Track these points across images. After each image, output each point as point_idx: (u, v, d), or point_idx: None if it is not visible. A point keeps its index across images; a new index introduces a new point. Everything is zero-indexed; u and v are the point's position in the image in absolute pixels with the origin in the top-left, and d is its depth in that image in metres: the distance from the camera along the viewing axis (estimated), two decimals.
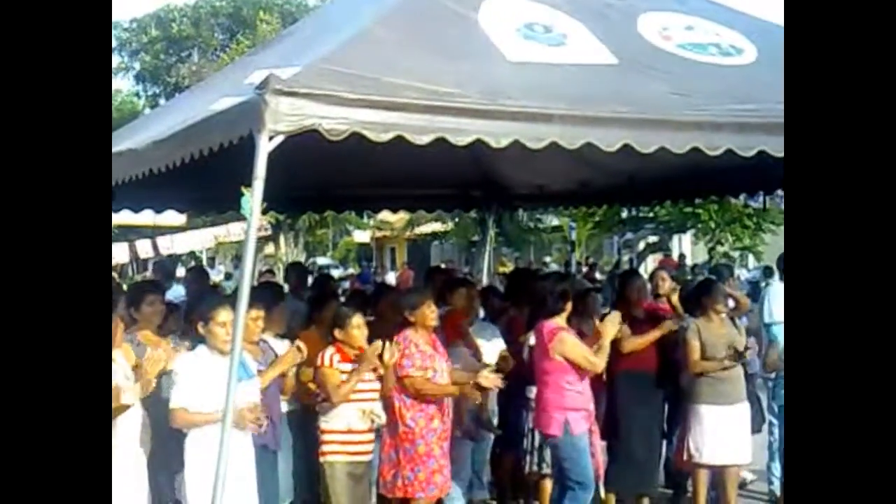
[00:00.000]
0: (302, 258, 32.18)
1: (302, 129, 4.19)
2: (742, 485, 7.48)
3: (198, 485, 4.83)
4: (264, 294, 6.29)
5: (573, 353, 6.21)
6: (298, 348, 5.65)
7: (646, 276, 8.27)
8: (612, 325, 6.27)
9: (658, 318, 7.07)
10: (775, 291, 7.80)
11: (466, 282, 7.61)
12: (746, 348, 6.85)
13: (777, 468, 7.49)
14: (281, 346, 5.88)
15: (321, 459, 5.75)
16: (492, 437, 6.84)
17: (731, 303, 7.27)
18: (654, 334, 6.83)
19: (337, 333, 5.76)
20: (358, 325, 5.76)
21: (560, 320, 6.28)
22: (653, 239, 27.01)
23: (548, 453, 6.60)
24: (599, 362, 6.26)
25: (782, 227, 23.79)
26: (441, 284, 7.31)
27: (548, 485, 6.65)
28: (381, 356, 5.68)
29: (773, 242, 22.43)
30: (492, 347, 6.72)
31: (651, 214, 23.82)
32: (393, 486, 5.95)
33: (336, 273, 29.05)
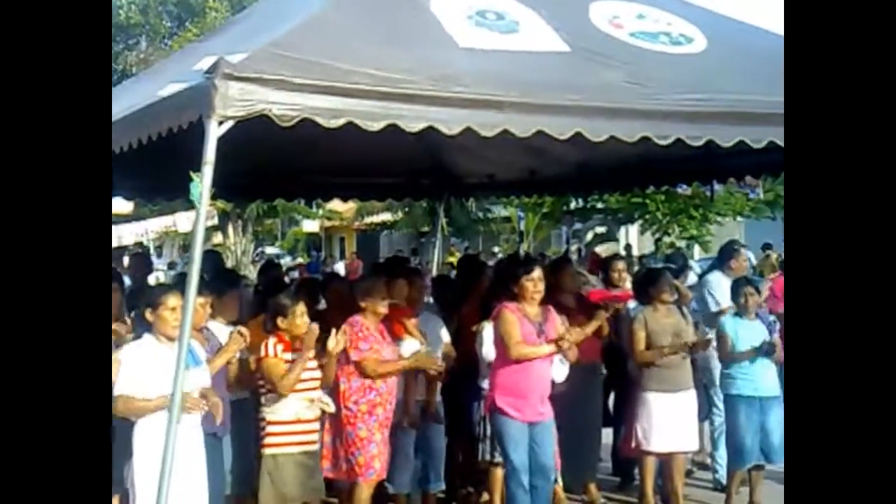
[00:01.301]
0: (250, 248, 31.99)
1: (252, 114, 4.15)
2: (688, 473, 7.56)
3: (146, 473, 4.77)
4: (216, 281, 6.24)
5: (502, 329, 6.11)
6: (240, 333, 5.59)
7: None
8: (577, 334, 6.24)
9: (590, 306, 7.01)
10: (715, 281, 7.90)
11: (408, 274, 7.57)
12: (708, 340, 6.94)
13: (721, 456, 7.57)
14: (226, 333, 5.82)
15: (265, 451, 5.68)
16: (442, 428, 6.83)
17: (675, 295, 7.32)
18: (591, 328, 6.64)
19: (280, 323, 5.70)
20: (301, 314, 5.71)
21: (515, 303, 6.19)
22: (601, 229, 27.19)
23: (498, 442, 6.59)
24: (518, 351, 6.02)
25: (727, 218, 24.23)
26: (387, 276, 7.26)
27: (499, 473, 6.65)
28: (324, 344, 5.66)
29: (719, 233, 22.70)
30: (437, 339, 6.70)
31: (599, 205, 23.96)
32: (335, 469, 5.95)
33: (285, 262, 28.86)
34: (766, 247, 19.14)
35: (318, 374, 5.75)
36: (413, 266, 10.61)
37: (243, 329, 5.67)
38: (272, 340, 5.68)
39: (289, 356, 5.66)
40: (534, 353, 6.05)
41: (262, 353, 5.65)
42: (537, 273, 6.20)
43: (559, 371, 6.38)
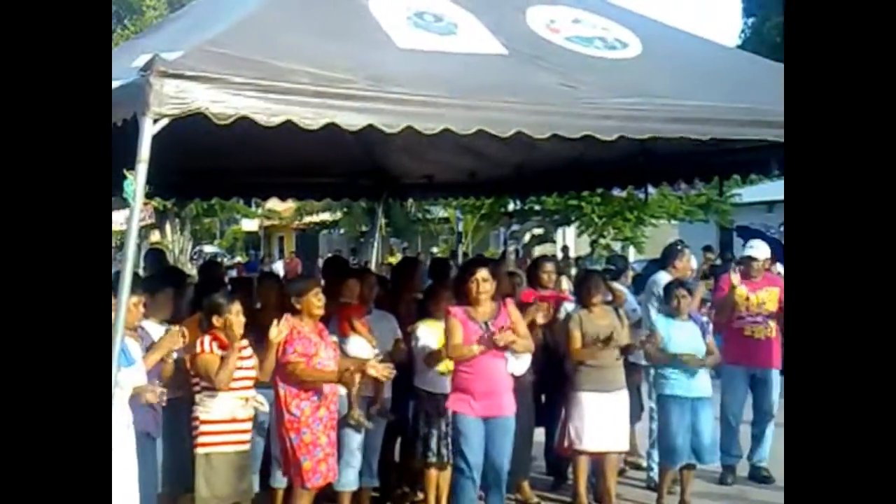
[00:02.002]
0: (188, 246, 31.67)
1: (187, 112, 4.11)
2: (621, 472, 7.66)
3: None
4: (150, 279, 6.18)
5: (446, 332, 6.24)
6: (182, 333, 5.55)
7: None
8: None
9: (523, 307, 7.06)
10: (662, 282, 8.01)
11: (360, 271, 7.58)
12: (640, 342, 7.02)
13: (657, 455, 7.68)
14: (160, 332, 5.77)
15: (198, 451, 5.64)
16: (384, 424, 6.83)
17: (609, 296, 7.42)
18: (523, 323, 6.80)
19: (215, 321, 5.67)
20: (237, 313, 5.68)
21: (466, 305, 6.24)
22: (538, 231, 27.33)
23: (433, 441, 6.63)
24: (453, 352, 6.16)
25: (662, 220, 24.54)
26: (336, 274, 7.28)
27: (433, 473, 6.69)
28: (258, 341, 5.67)
29: (654, 235, 22.99)
30: (389, 337, 6.72)
31: (536, 207, 24.12)
32: (278, 475, 5.93)
33: (223, 261, 28.61)
34: (707, 249, 19.38)
35: (252, 373, 5.73)
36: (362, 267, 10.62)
37: (183, 329, 5.64)
38: (207, 338, 5.65)
39: (223, 353, 5.63)
40: (469, 353, 6.12)
41: (198, 349, 5.62)
42: (480, 274, 6.24)
43: (516, 365, 6.43)
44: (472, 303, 6.21)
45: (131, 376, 4.96)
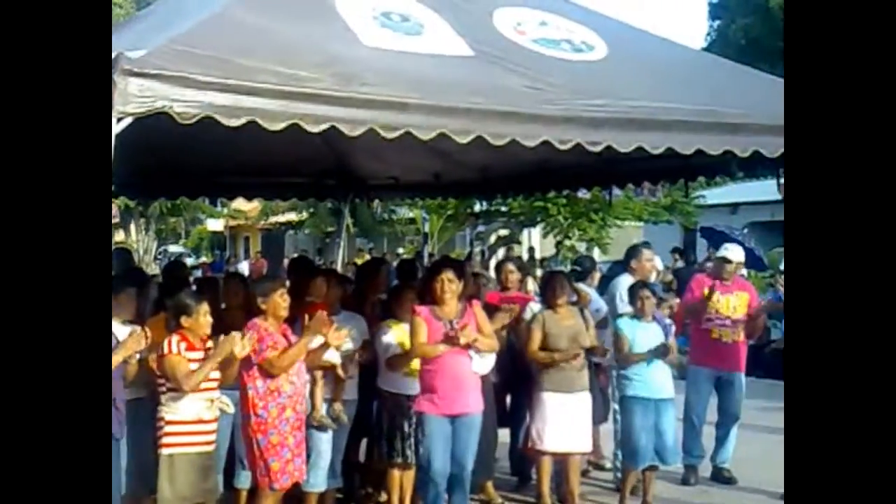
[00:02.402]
0: (153, 246, 31.46)
1: (151, 111, 4.09)
2: (584, 473, 7.69)
3: None
4: (113, 279, 6.11)
5: (411, 333, 6.28)
6: (145, 335, 5.52)
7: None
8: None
9: (489, 308, 7.10)
10: (623, 284, 8.05)
11: (327, 271, 7.56)
12: (600, 349, 7.05)
13: (619, 456, 7.71)
14: (124, 332, 5.73)
15: (162, 451, 5.60)
16: (348, 426, 6.82)
17: (574, 297, 7.45)
18: (495, 324, 6.81)
19: (183, 321, 5.64)
20: (204, 313, 5.66)
21: (433, 305, 6.26)
22: (504, 232, 27.39)
23: (398, 441, 6.63)
24: (416, 351, 6.22)
25: (627, 222, 24.67)
26: (301, 274, 7.26)
27: (396, 474, 6.68)
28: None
29: (619, 236, 23.10)
30: (357, 338, 6.71)
31: (502, 208, 24.18)
32: (247, 477, 5.90)
33: (189, 261, 28.44)
34: (676, 251, 19.48)
35: (217, 374, 5.70)
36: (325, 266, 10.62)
37: (146, 329, 5.61)
38: (175, 338, 5.61)
39: (191, 355, 5.60)
40: (433, 352, 6.14)
41: (165, 350, 5.58)
42: (445, 274, 6.27)
43: (480, 364, 6.44)
44: (438, 302, 6.23)
45: None
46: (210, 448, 5.75)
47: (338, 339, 5.98)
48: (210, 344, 5.70)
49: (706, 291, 8.00)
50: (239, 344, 5.57)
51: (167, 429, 5.62)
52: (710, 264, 12.58)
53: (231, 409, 5.83)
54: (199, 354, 5.63)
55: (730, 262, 8.27)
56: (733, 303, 8.13)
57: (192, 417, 5.61)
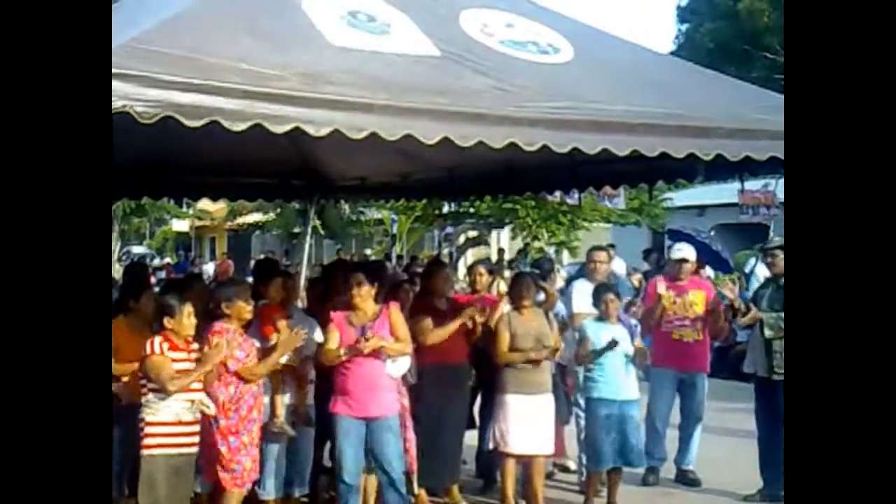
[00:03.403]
0: (116, 246, 31.20)
1: (112, 111, 4.03)
2: (549, 475, 7.68)
3: None
4: None
5: (325, 337, 6.34)
6: None
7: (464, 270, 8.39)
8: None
9: (460, 308, 7.15)
10: (579, 287, 8.08)
11: (283, 273, 7.52)
12: (555, 350, 7.02)
13: (584, 458, 7.72)
14: None
15: (143, 452, 5.57)
16: (313, 432, 6.78)
17: (541, 295, 7.45)
18: (455, 324, 6.90)
19: (167, 322, 5.61)
20: (188, 315, 5.66)
21: (349, 310, 6.31)
22: (472, 233, 27.44)
23: None
24: (323, 357, 6.32)
25: (596, 224, 24.78)
26: (262, 276, 7.22)
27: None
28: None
29: (587, 238, 23.19)
30: (310, 341, 6.66)
31: (471, 210, 24.22)
32: (223, 479, 5.87)
33: (153, 263, 28.25)
34: (649, 252, 19.55)
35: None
36: (284, 268, 10.54)
37: None
38: (157, 339, 5.60)
39: (174, 355, 5.58)
40: (335, 357, 6.21)
41: (147, 351, 5.56)
42: (356, 279, 6.33)
43: (393, 367, 6.41)
44: (352, 308, 6.29)
45: None
46: (191, 450, 5.71)
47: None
48: (195, 346, 5.70)
49: (659, 293, 8.05)
50: (226, 351, 5.58)
51: (147, 430, 5.59)
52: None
53: (212, 411, 5.77)
54: (183, 355, 5.63)
55: (687, 261, 8.31)
56: (689, 300, 8.16)
57: (172, 419, 5.58)
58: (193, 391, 5.64)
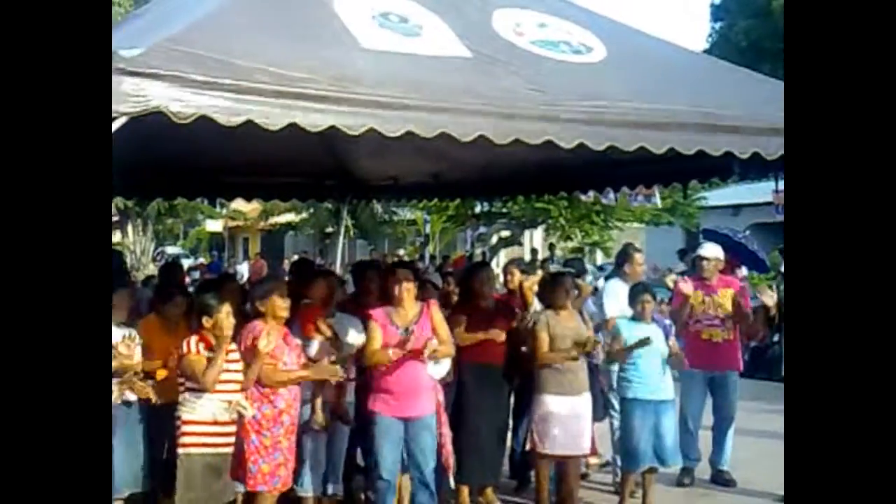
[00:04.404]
0: (150, 247, 31.44)
1: (146, 110, 4.05)
2: (583, 475, 7.65)
3: None
4: None
5: (366, 336, 6.27)
6: (129, 339, 5.49)
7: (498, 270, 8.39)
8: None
9: (506, 309, 7.14)
10: (612, 289, 8.03)
11: (326, 273, 7.55)
12: (596, 342, 6.98)
13: (619, 458, 7.68)
14: (117, 334, 5.71)
15: (179, 451, 5.60)
16: (348, 430, 6.80)
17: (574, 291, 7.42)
18: (488, 334, 6.89)
19: (205, 322, 5.63)
20: (227, 314, 5.65)
21: (389, 308, 6.25)
22: (505, 233, 27.37)
23: None
24: (372, 359, 6.20)
25: (629, 224, 24.66)
26: (300, 276, 7.25)
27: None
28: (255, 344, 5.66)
29: (620, 238, 23.09)
30: (356, 340, 6.68)
31: (504, 210, 24.17)
32: (238, 478, 5.88)
33: (187, 263, 28.43)
34: (684, 252, 19.39)
35: (238, 376, 5.68)
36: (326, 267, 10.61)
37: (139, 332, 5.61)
38: (194, 339, 5.62)
39: (210, 354, 5.59)
40: (385, 359, 6.13)
41: (184, 350, 5.58)
42: (401, 275, 6.30)
43: (435, 369, 6.42)
44: (395, 305, 6.23)
45: None
46: (226, 450, 5.71)
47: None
48: (233, 346, 5.70)
49: (686, 294, 8.01)
50: (264, 340, 5.60)
51: (184, 429, 5.62)
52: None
53: (249, 412, 5.79)
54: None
55: (706, 259, 8.25)
56: (718, 301, 8.11)
57: (208, 418, 5.59)
58: (231, 392, 5.66)
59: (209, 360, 5.55)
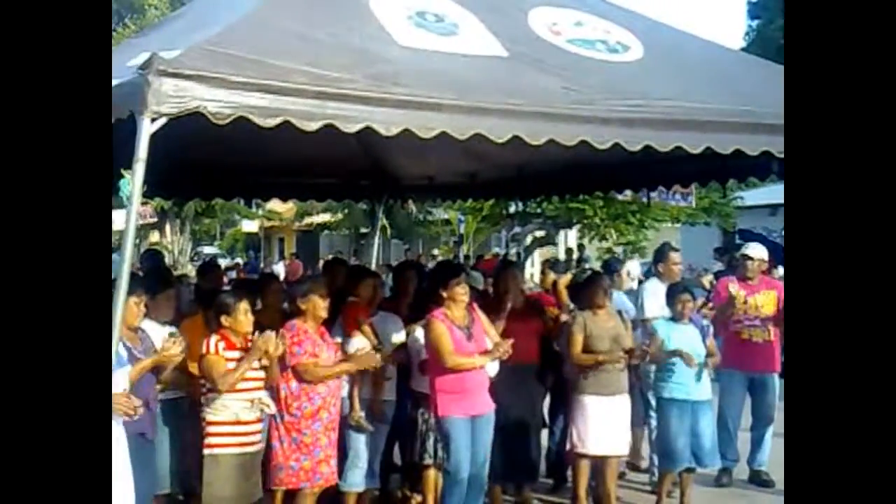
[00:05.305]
0: (188, 247, 31.69)
1: (186, 111, 4.08)
2: (621, 475, 7.63)
3: None
4: (151, 280, 6.18)
5: (432, 339, 6.21)
6: (179, 340, 5.53)
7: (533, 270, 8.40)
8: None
9: (536, 308, 7.10)
10: (650, 289, 7.99)
11: (373, 273, 7.59)
12: (640, 347, 6.95)
13: (656, 458, 7.66)
14: (161, 332, 5.75)
15: (205, 452, 5.63)
16: (387, 427, 6.83)
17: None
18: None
19: (223, 321, 5.67)
20: (245, 312, 5.69)
21: (444, 308, 6.24)
22: (540, 233, 27.30)
23: (430, 443, 6.62)
24: (453, 361, 6.11)
25: (664, 224, 24.50)
26: (344, 275, 7.29)
27: (431, 474, 6.67)
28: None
29: (656, 238, 22.95)
30: (397, 338, 6.71)
31: (538, 210, 24.10)
32: (278, 477, 5.92)
33: (223, 262, 28.63)
34: (719, 251, 19.27)
35: (261, 374, 5.71)
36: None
37: (183, 330, 5.63)
38: (214, 338, 5.64)
39: (230, 354, 5.62)
40: (469, 364, 6.15)
41: (204, 350, 5.60)
42: (459, 279, 6.33)
43: (491, 365, 6.44)
44: (456, 306, 6.23)
45: (117, 379, 4.96)
46: (253, 449, 5.76)
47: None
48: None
49: (731, 294, 7.94)
50: (273, 343, 5.58)
51: (208, 429, 5.66)
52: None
53: (272, 409, 5.83)
54: (239, 354, 5.65)
55: (751, 258, 8.19)
56: (760, 301, 8.04)
57: (231, 418, 5.63)
58: (252, 390, 5.68)
59: (231, 360, 5.57)
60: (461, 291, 6.22)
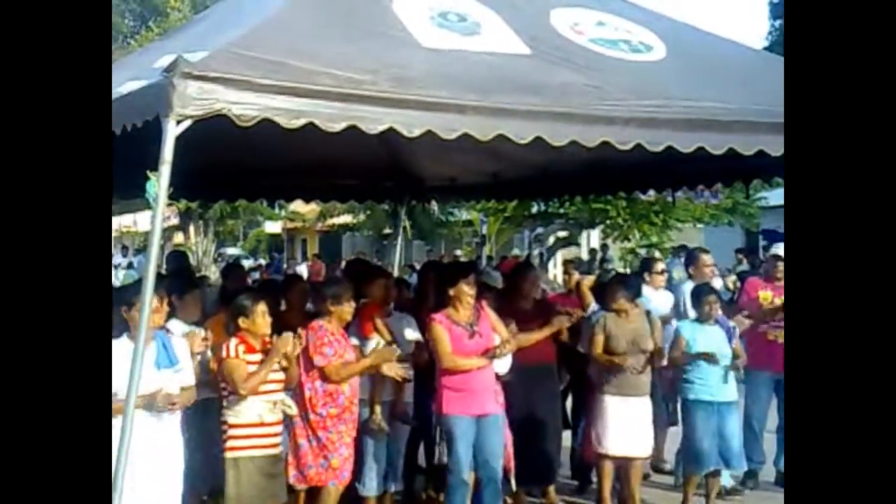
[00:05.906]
0: (212, 248, 31.83)
1: (210, 113, 4.12)
2: (645, 476, 7.61)
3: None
4: (178, 281, 6.21)
5: (433, 341, 6.24)
6: (204, 337, 5.56)
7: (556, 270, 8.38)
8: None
9: (549, 310, 7.10)
10: (688, 291, 7.96)
11: (385, 273, 7.61)
12: (658, 350, 6.92)
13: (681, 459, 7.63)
14: (186, 331, 5.78)
15: (227, 455, 5.63)
16: (408, 429, 6.83)
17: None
18: (542, 333, 6.78)
19: (241, 323, 5.66)
20: (262, 314, 5.67)
21: (448, 310, 6.25)
22: (562, 234, 27.27)
23: None
24: (450, 362, 6.14)
25: (688, 224, 24.41)
26: (358, 276, 7.30)
27: None
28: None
29: (679, 239, 22.87)
30: (410, 336, 6.72)
31: (561, 210, 24.07)
32: (304, 476, 5.95)
33: (246, 263, 28.73)
34: (741, 252, 19.19)
35: (281, 375, 5.72)
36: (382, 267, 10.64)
37: (208, 330, 5.66)
38: (234, 342, 5.63)
39: (250, 357, 5.62)
40: (467, 365, 6.15)
41: (223, 353, 5.61)
42: (468, 279, 6.31)
43: (501, 364, 6.42)
44: (461, 305, 6.22)
45: (173, 377, 5.07)
46: (275, 451, 5.77)
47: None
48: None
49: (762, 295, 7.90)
50: (291, 343, 5.59)
51: (230, 432, 5.65)
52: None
53: (294, 411, 5.84)
54: (259, 357, 5.64)
55: (782, 259, 8.13)
56: None
57: (254, 420, 5.62)
58: (275, 391, 5.69)
59: (252, 363, 5.57)
60: (467, 290, 6.22)
